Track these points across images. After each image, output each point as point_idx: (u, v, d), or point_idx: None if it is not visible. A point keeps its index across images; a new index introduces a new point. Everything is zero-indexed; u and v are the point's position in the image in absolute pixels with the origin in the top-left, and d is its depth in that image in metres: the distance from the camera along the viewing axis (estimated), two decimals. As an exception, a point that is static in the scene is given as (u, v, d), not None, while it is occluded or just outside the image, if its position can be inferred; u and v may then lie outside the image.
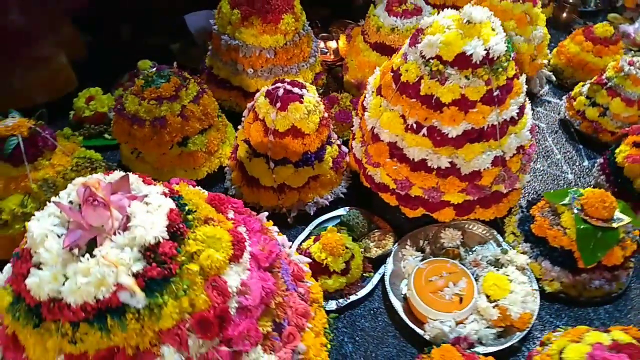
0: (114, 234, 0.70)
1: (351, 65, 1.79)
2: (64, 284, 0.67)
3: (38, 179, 1.16)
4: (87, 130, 1.54)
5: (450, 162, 1.24)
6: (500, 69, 1.18)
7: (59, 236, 0.71)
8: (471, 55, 1.13)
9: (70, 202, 0.74)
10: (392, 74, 1.27)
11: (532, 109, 1.84)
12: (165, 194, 0.79)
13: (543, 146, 1.73)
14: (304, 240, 1.34)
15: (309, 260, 1.11)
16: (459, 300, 1.17)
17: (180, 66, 1.48)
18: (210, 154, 1.45)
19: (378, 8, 1.71)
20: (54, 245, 0.70)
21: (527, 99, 1.36)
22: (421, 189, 1.30)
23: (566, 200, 1.28)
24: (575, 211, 1.25)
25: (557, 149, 1.71)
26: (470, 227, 1.37)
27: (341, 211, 1.42)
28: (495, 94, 1.19)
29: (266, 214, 1.03)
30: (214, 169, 1.48)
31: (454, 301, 1.17)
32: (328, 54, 2.01)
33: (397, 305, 1.23)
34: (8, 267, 0.78)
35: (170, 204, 0.76)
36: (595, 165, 1.57)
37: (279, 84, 1.32)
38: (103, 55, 1.89)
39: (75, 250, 0.70)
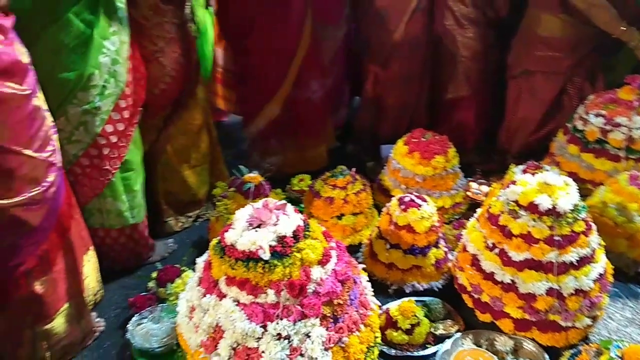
0: (270, 225, 1.40)
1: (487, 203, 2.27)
2: (240, 236, 1.39)
3: (252, 209, 1.99)
4: (288, 194, 2.40)
5: (511, 280, 1.62)
6: (565, 222, 1.56)
7: (246, 220, 1.44)
8: (538, 205, 1.57)
9: (257, 208, 1.48)
10: (487, 207, 1.76)
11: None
12: (302, 219, 1.47)
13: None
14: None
15: (379, 303, 1.62)
16: (482, 380, 1.49)
17: (357, 172, 2.23)
18: (355, 231, 2.11)
19: (517, 168, 2.20)
20: (242, 222, 1.43)
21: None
22: (488, 296, 1.68)
23: (610, 347, 1.49)
24: (613, 355, 1.45)
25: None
26: (526, 343, 1.66)
27: (430, 298, 1.86)
28: (556, 238, 1.56)
29: (363, 266, 1.61)
30: (355, 243, 2.12)
31: (478, 380, 1.49)
32: (480, 194, 2.51)
33: (440, 373, 1.60)
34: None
35: (300, 222, 1.43)
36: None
37: (408, 195, 1.93)
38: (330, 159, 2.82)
39: (250, 227, 1.41)
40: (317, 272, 1.39)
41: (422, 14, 2.52)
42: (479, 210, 1.86)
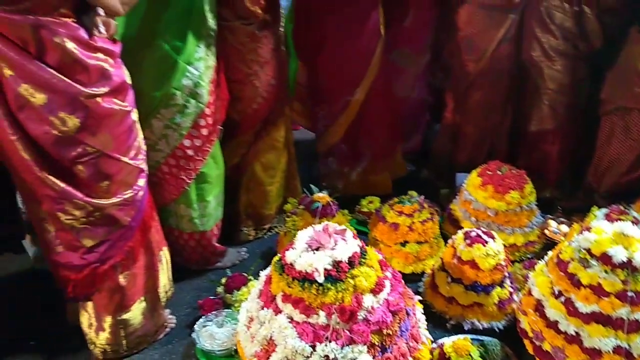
0: (327, 249, 1.46)
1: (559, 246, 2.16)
2: (299, 257, 1.46)
3: (319, 228, 2.07)
4: (356, 215, 2.45)
5: (575, 332, 1.54)
6: (641, 277, 1.46)
7: (305, 241, 1.51)
8: (612, 256, 1.48)
9: (317, 230, 1.54)
10: (557, 251, 1.69)
11: None
12: (359, 246, 1.51)
13: None
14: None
15: (431, 338, 1.61)
16: None
17: (429, 199, 2.23)
18: (418, 259, 2.10)
19: (600, 211, 2.07)
20: (301, 244, 1.51)
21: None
22: (550, 345, 1.61)
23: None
24: None
25: None
26: (589, 401, 1.56)
27: (488, 339, 1.82)
28: (630, 294, 1.47)
29: (419, 298, 1.62)
30: (417, 271, 2.12)
31: None
32: (559, 234, 2.39)
33: (489, 417, 1.56)
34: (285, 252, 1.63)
35: (357, 249, 1.48)
36: None
37: (475, 230, 1.90)
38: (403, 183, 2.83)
39: (309, 248, 1.48)
40: (368, 300, 1.43)
41: (508, 44, 2.46)
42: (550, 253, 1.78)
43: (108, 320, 1.71)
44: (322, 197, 2.12)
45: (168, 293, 2.01)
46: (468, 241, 1.87)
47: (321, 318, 1.41)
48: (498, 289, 1.87)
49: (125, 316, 1.72)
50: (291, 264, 1.47)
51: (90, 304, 1.70)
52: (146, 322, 1.80)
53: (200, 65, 1.90)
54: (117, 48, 1.44)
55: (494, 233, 1.91)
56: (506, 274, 1.89)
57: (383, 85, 2.52)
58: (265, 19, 2.07)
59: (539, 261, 2.13)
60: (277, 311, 1.49)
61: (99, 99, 1.37)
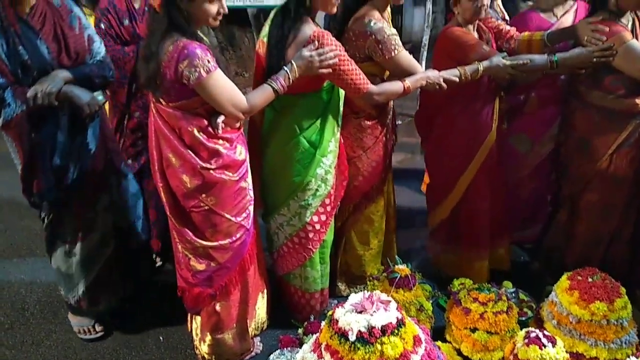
0: (367, 314, 1.71)
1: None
2: (344, 315, 1.73)
3: (394, 297, 2.27)
4: (435, 294, 2.55)
5: None
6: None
7: (352, 304, 1.77)
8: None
9: (366, 297, 1.79)
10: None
11: None
12: (397, 318, 1.71)
13: None
14: None
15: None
16: None
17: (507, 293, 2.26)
18: (487, 349, 2.14)
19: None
20: (350, 305, 1.77)
21: None
22: None
23: None
24: None
25: None
26: None
27: None
28: None
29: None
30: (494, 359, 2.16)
31: None
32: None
33: None
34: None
35: (394, 319, 1.69)
36: None
37: (537, 332, 1.90)
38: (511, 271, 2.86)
39: (354, 310, 1.74)
40: (390, 368, 1.62)
41: (631, 149, 2.37)
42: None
43: (208, 335, 2.19)
44: (402, 269, 2.33)
45: (263, 325, 2.44)
46: (526, 340, 1.88)
47: (349, 372, 1.65)
48: (553, 397, 1.83)
49: (218, 336, 2.18)
50: (337, 320, 1.75)
51: (198, 319, 2.21)
52: (234, 344, 2.23)
53: (330, 156, 2.28)
54: (234, 135, 1.94)
55: (557, 339, 1.89)
56: (564, 384, 1.84)
57: (489, 176, 2.61)
58: (372, 113, 2.41)
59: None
60: (320, 356, 1.76)
61: (211, 171, 1.88)
